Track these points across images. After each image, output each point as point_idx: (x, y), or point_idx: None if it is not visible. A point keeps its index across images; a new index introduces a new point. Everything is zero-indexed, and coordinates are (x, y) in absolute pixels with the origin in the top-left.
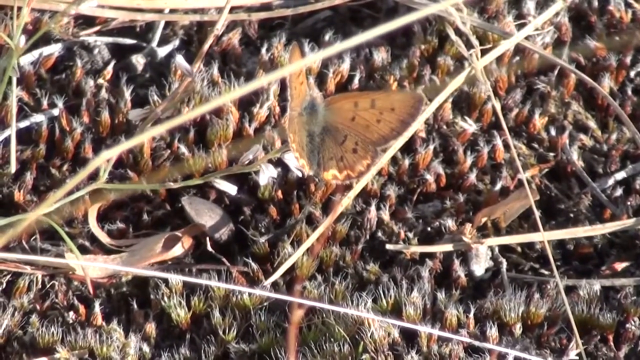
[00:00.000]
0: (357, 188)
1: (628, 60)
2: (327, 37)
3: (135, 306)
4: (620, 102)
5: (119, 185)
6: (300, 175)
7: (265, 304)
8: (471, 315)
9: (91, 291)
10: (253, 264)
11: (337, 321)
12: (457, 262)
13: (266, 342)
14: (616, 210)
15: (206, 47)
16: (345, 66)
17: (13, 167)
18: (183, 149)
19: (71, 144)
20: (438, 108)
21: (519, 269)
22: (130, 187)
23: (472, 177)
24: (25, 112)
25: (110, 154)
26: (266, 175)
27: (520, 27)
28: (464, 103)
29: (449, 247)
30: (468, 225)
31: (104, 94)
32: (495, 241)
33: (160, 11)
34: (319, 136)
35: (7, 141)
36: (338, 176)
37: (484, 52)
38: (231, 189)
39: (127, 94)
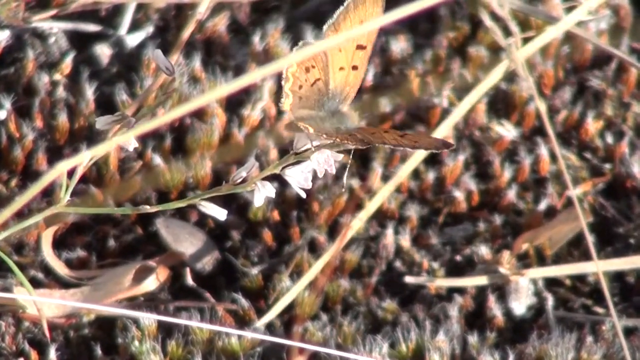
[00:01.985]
0: (370, 207)
1: None
2: None
3: (100, 352)
4: None
5: (80, 209)
6: (304, 196)
7: (258, 349)
8: None
9: (46, 333)
10: (243, 300)
11: None
12: (492, 298)
13: None
14: None
15: (186, 35)
16: None
17: None
18: (158, 160)
19: (21, 153)
20: (469, 110)
21: (568, 307)
22: (94, 210)
23: (511, 194)
24: None
25: (68, 166)
26: (262, 195)
27: (569, 10)
28: (501, 104)
29: (482, 280)
30: (506, 253)
31: (61, 92)
32: (539, 272)
33: None
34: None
35: None
36: None
37: (525, 41)
38: (220, 213)
39: (90, 92)
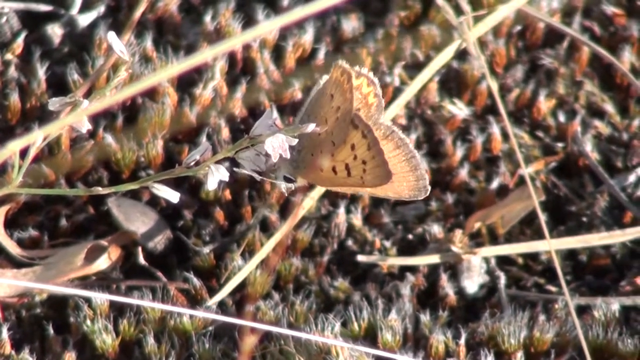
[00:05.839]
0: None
1: None
2: (285, 2)
3: (52, 331)
4: None
5: (33, 190)
6: (258, 179)
7: (209, 328)
8: (462, 341)
9: None
10: (195, 279)
11: (298, 349)
12: (444, 277)
13: None
14: (638, 212)
15: (138, 14)
16: (308, 37)
17: None
18: (109, 139)
19: None
20: (421, 89)
21: (521, 285)
22: (47, 192)
23: (463, 172)
24: None
25: (20, 146)
26: (215, 178)
27: None
28: (452, 82)
29: (434, 259)
30: (458, 232)
31: (12, 72)
32: (492, 251)
33: None
34: None
35: None
36: None
37: (477, 20)
38: (172, 196)
39: (42, 72)
